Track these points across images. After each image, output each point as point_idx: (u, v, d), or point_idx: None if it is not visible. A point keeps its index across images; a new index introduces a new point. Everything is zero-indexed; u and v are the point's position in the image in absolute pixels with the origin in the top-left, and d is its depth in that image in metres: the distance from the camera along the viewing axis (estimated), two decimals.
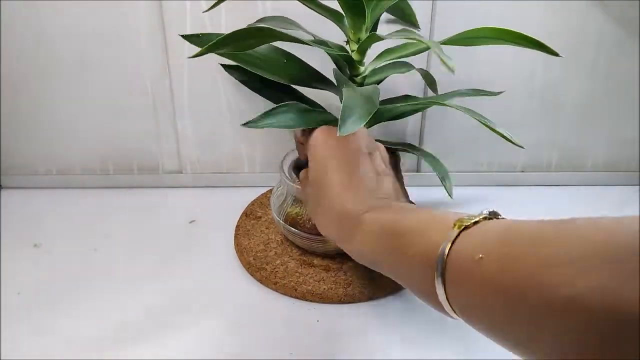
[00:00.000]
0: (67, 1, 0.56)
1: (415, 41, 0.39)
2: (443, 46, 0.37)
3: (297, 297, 0.49)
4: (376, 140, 0.48)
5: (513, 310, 0.27)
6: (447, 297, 0.31)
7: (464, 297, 0.30)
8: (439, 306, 0.33)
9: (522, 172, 0.67)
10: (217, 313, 0.47)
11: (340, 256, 0.53)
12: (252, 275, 0.52)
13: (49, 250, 0.55)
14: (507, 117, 0.63)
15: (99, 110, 0.62)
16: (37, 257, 0.54)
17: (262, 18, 0.52)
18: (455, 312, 0.32)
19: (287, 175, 0.52)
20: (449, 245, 0.31)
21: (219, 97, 0.61)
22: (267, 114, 0.47)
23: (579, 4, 0.57)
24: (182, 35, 0.50)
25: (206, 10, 0.49)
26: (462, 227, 0.31)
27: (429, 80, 0.54)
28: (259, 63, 0.49)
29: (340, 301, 0.49)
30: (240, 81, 0.54)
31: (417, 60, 0.59)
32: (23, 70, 0.60)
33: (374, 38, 0.44)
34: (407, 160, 0.66)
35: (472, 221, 0.31)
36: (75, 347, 0.44)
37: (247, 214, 0.59)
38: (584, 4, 0.57)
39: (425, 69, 0.59)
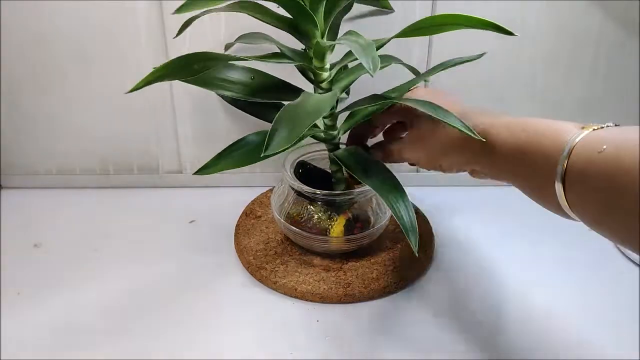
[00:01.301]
0: (67, 1, 0.56)
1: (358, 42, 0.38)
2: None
3: (297, 297, 0.49)
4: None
5: (621, 196, 0.29)
6: (564, 191, 0.34)
7: (581, 188, 0.33)
8: (554, 204, 0.35)
9: None
10: (217, 313, 0.47)
11: (340, 256, 0.53)
12: (252, 275, 0.52)
13: (49, 250, 0.55)
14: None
15: (99, 110, 0.62)
16: (37, 257, 0.54)
17: (240, 36, 0.52)
18: (570, 208, 0.34)
19: (290, 174, 0.52)
20: (575, 142, 0.33)
21: (218, 97, 0.61)
22: (220, 156, 0.46)
23: (579, 4, 0.57)
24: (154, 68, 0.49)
25: (175, 37, 0.48)
26: (589, 130, 0.34)
27: (411, 69, 0.54)
28: (224, 84, 0.48)
29: (340, 301, 0.49)
30: (227, 101, 0.54)
31: (418, 50, 0.59)
32: (23, 70, 0.60)
33: (319, 46, 0.43)
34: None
35: (599, 126, 0.34)
36: (75, 346, 0.44)
37: (247, 213, 0.59)
38: (584, 4, 0.58)
39: (406, 62, 0.58)
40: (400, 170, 0.66)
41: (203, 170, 0.46)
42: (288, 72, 0.50)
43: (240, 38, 0.52)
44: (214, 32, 0.58)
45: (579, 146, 0.33)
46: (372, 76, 0.35)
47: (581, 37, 0.59)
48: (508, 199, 0.65)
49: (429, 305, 0.49)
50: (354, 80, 0.50)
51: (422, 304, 0.49)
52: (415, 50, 0.59)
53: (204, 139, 0.64)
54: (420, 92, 0.47)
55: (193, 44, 0.58)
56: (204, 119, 0.63)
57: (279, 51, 0.47)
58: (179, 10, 0.41)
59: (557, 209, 0.35)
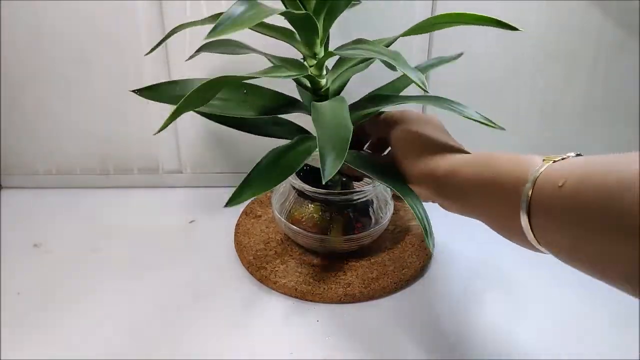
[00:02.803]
0: (67, 1, 0.56)
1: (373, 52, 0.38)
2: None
3: (297, 297, 0.49)
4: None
5: (588, 231, 0.29)
6: (530, 225, 0.33)
7: (546, 222, 0.32)
8: (521, 237, 0.35)
9: None
10: (217, 313, 0.47)
11: (340, 256, 0.53)
12: (252, 275, 0.52)
13: (49, 250, 0.55)
14: (508, 117, 0.64)
15: (99, 110, 0.62)
16: (37, 257, 0.54)
17: (204, 45, 0.48)
18: (538, 241, 0.34)
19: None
20: (536, 175, 0.33)
21: None
22: (243, 187, 0.45)
23: (579, 4, 0.57)
24: (133, 90, 0.46)
25: (188, 59, 0.47)
26: (550, 162, 0.34)
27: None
28: (216, 104, 0.46)
29: (340, 301, 0.49)
30: (217, 121, 0.50)
31: (417, 54, 0.59)
32: (23, 70, 0.60)
33: (329, 54, 0.42)
34: None
35: (560, 157, 0.34)
36: (75, 347, 0.44)
37: (247, 213, 0.59)
38: (584, 4, 0.58)
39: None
40: None
41: (232, 202, 0.44)
42: (283, 83, 0.48)
43: (206, 47, 0.48)
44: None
45: (542, 178, 0.33)
46: (425, 92, 0.35)
47: (581, 37, 0.59)
48: None
49: (429, 305, 0.49)
50: (346, 83, 0.50)
51: (422, 304, 0.49)
52: (414, 49, 0.59)
53: (204, 139, 0.64)
54: (411, 115, 0.47)
55: (193, 45, 0.58)
56: (204, 118, 0.63)
57: (269, 62, 0.46)
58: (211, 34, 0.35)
59: (525, 242, 0.35)
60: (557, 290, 0.50)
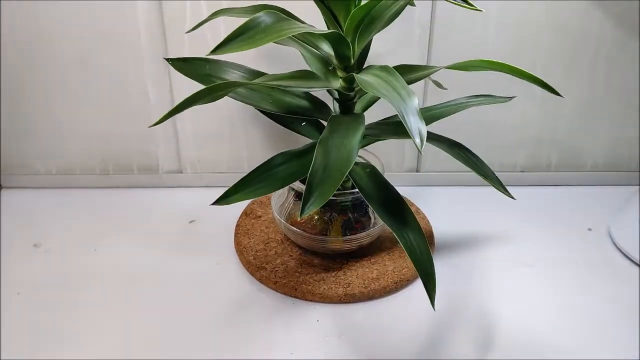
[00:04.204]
0: (67, 1, 0.56)
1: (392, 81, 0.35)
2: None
3: (297, 297, 0.49)
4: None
5: None
6: None
7: None
8: None
9: (522, 172, 0.67)
10: (217, 313, 0.47)
11: (340, 256, 0.53)
12: (252, 275, 0.52)
13: (49, 250, 0.55)
14: (508, 117, 0.64)
15: (99, 110, 0.62)
16: (37, 257, 0.54)
17: (261, 5, 0.47)
18: None
19: None
20: None
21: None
22: (242, 184, 0.42)
23: (579, 4, 0.57)
24: (167, 59, 0.48)
25: (189, 31, 0.47)
26: None
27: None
28: (247, 94, 0.46)
29: (340, 301, 0.49)
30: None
31: (417, 50, 0.59)
32: (23, 70, 0.60)
33: (350, 78, 0.41)
34: (406, 159, 0.66)
35: None
36: (74, 346, 0.44)
37: (247, 213, 0.59)
38: (584, 4, 0.58)
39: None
40: (401, 170, 0.66)
41: (223, 200, 0.42)
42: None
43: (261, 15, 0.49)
44: (214, 35, 0.58)
45: None
46: (419, 149, 0.32)
47: (581, 37, 0.59)
48: (509, 199, 0.65)
49: (428, 305, 0.49)
50: (375, 101, 0.50)
51: (422, 304, 0.49)
52: (415, 50, 0.59)
53: (204, 139, 0.64)
54: None
55: (193, 46, 0.58)
56: (204, 118, 0.63)
57: (304, 60, 0.46)
58: (214, 51, 0.36)
59: None
60: (557, 290, 0.51)
